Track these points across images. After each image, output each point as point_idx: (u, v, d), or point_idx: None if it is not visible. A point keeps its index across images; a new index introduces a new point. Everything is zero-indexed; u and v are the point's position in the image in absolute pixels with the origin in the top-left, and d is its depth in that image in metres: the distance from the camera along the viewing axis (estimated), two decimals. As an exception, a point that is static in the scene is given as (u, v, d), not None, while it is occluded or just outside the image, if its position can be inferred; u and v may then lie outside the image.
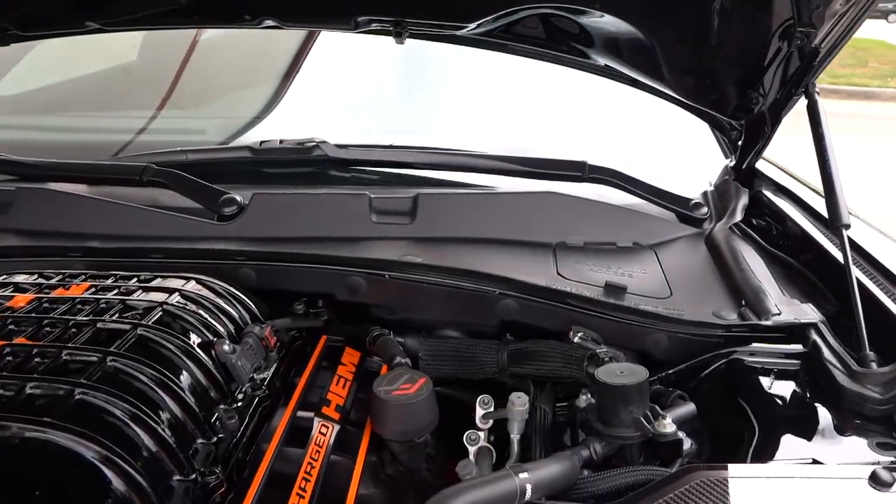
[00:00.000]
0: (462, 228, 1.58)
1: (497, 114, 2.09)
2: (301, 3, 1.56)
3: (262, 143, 1.81)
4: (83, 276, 1.33)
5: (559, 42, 1.65)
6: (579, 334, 1.36)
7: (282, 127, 2.10)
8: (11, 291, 1.26)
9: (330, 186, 1.77)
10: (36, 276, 1.35)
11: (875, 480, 1.00)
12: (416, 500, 1.20)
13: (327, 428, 1.21)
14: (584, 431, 1.20)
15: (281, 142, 1.80)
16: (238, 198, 1.61)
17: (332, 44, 2.34)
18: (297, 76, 2.34)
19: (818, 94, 1.50)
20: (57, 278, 1.32)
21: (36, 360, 1.02)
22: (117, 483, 0.87)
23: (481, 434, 1.28)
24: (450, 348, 1.48)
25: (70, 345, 1.04)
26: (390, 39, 1.65)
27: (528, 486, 0.95)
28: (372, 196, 1.60)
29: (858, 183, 1.41)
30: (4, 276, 1.34)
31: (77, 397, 0.93)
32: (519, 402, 1.25)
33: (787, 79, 1.52)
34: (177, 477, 0.96)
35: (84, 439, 0.88)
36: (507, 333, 1.47)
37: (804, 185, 1.84)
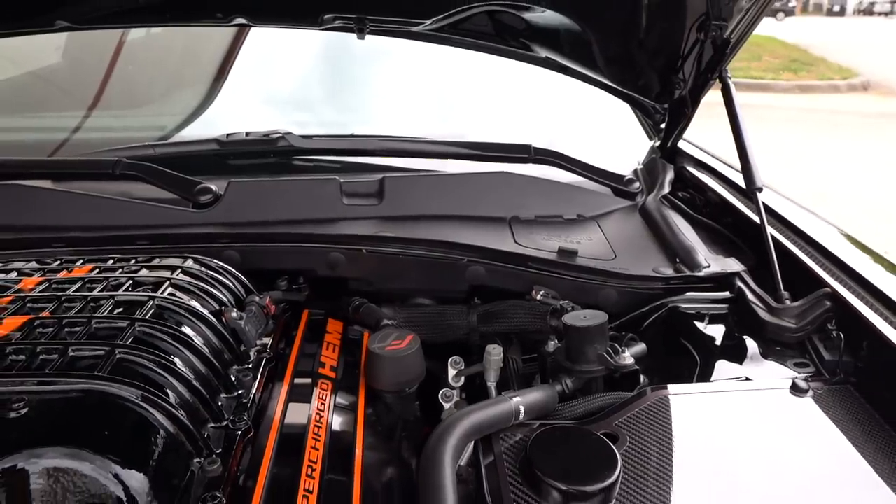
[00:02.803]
0: (426, 206, 1.73)
1: (448, 104, 2.25)
2: (271, 2, 1.67)
3: (228, 135, 1.90)
4: (82, 260, 1.40)
5: (506, 36, 1.82)
6: (541, 293, 1.54)
7: (216, 124, 2.16)
8: (16, 276, 1.33)
9: (296, 175, 1.89)
10: (33, 262, 1.41)
11: (795, 388, 1.23)
12: (411, 445, 1.34)
13: (327, 384, 1.34)
14: (554, 371, 1.37)
15: (247, 134, 1.90)
16: (213, 187, 1.71)
17: (263, 42, 2.43)
18: (230, 75, 2.42)
19: (730, 78, 1.74)
20: (56, 263, 1.39)
21: (67, 329, 1.11)
22: (167, 425, 0.98)
23: (454, 392, 1.44)
24: (423, 315, 1.62)
25: (98, 315, 1.14)
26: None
27: (522, 408, 1.11)
28: (342, 180, 1.73)
29: (765, 167, 1.64)
30: (2, 264, 1.40)
31: (118, 356, 1.04)
32: (495, 353, 1.41)
33: (704, 65, 1.75)
34: (211, 424, 1.08)
35: (136, 389, 0.98)
36: (475, 297, 1.63)
37: (720, 160, 2.08)
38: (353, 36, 1.83)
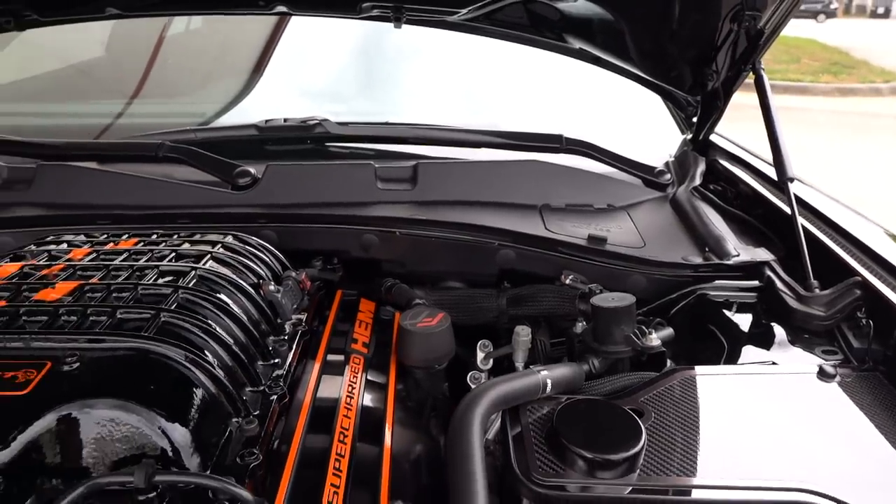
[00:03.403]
0: (458, 192, 1.76)
1: (480, 94, 2.28)
2: (311, -9, 1.72)
3: (266, 121, 1.95)
4: (127, 235, 1.46)
5: (540, 27, 1.85)
6: (570, 277, 1.56)
7: (255, 112, 2.20)
8: (66, 247, 1.39)
9: (331, 160, 1.93)
10: (81, 235, 1.48)
11: (822, 374, 1.23)
12: (439, 422, 1.38)
13: (359, 359, 1.38)
14: (582, 353, 1.39)
15: (285, 120, 1.95)
16: (251, 170, 1.76)
17: (301, 32, 2.49)
18: (268, 66, 2.48)
19: (763, 70, 1.74)
20: (103, 236, 1.46)
21: (114, 295, 1.16)
22: (208, 384, 1.03)
23: (483, 374, 1.47)
24: (453, 297, 1.66)
25: (143, 282, 1.19)
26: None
27: (549, 381, 1.14)
28: (376, 165, 1.77)
29: (798, 169, 1.65)
30: (52, 237, 1.46)
31: (163, 319, 1.09)
32: (523, 333, 1.44)
33: (737, 57, 1.75)
34: (249, 388, 1.12)
35: (179, 349, 1.03)
36: (505, 281, 1.66)
37: (752, 154, 2.08)
38: (390, 26, 1.87)
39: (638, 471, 1.01)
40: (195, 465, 0.95)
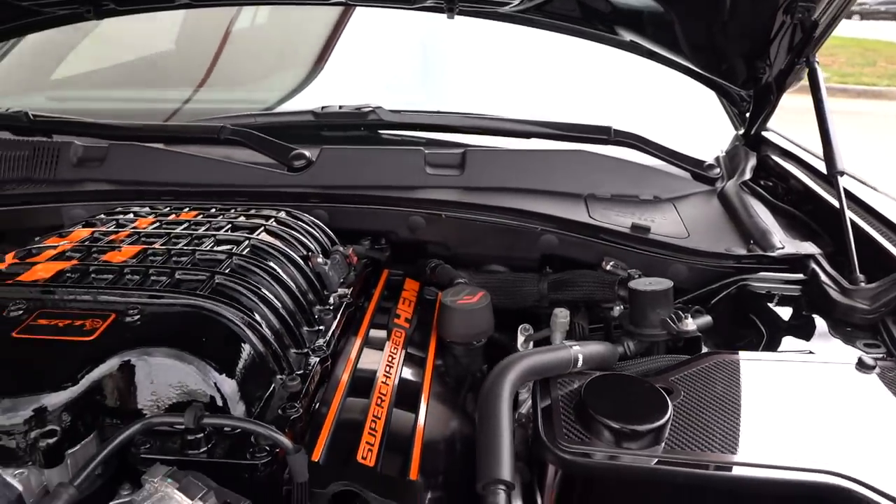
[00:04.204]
0: (505, 179, 1.80)
1: (530, 85, 2.31)
2: (370, -19, 1.79)
3: (322, 108, 2.03)
4: (188, 207, 1.56)
5: (592, 19, 1.87)
6: (611, 263, 1.58)
7: (312, 100, 2.28)
8: (132, 217, 1.49)
9: (383, 147, 2.00)
10: (146, 207, 1.58)
11: (861, 365, 1.23)
12: (475, 399, 1.42)
13: (400, 333, 1.44)
14: (618, 336, 1.42)
15: (340, 107, 2.03)
16: (306, 153, 1.84)
17: (363, 24, 2.57)
18: (328, 58, 2.57)
19: (817, 63, 1.73)
20: (166, 209, 1.55)
21: (174, 258, 1.25)
22: (256, 342, 1.10)
23: (531, 328, 1.51)
24: (495, 280, 1.70)
25: (201, 248, 1.27)
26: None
27: (580, 356, 1.17)
28: (426, 151, 1.83)
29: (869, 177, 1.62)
30: (120, 208, 1.57)
31: (217, 281, 1.16)
32: (561, 315, 1.47)
33: (791, 50, 1.74)
34: (293, 350, 1.19)
35: (231, 308, 1.10)
36: (547, 266, 1.69)
37: (806, 150, 2.05)
38: (443, 16, 1.93)
39: (664, 443, 1.04)
40: (240, 413, 1.02)
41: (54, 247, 1.31)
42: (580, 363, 1.17)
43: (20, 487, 0.88)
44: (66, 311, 1.09)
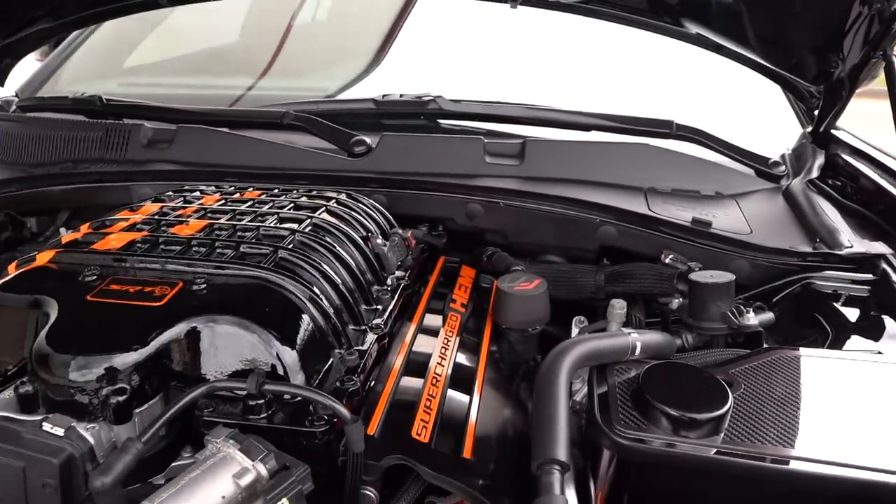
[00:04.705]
0: (564, 170, 1.79)
1: (591, 77, 2.29)
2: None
3: (383, 95, 2.05)
4: (252, 187, 1.59)
5: (658, 11, 1.84)
6: (670, 256, 1.56)
7: (373, 90, 2.31)
8: (199, 195, 1.54)
9: (443, 135, 2.01)
10: (212, 186, 1.62)
11: (932, 367, 1.18)
12: (529, 384, 1.41)
13: (456, 317, 1.44)
14: (675, 327, 1.39)
15: (401, 95, 2.05)
16: (366, 139, 1.86)
17: (426, 14, 2.59)
18: (390, 49, 2.59)
19: (895, 55, 1.67)
20: (231, 188, 1.60)
21: (239, 233, 1.28)
22: (316, 315, 1.12)
23: (585, 320, 1.50)
24: (552, 271, 1.68)
25: (265, 224, 1.30)
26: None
27: (638, 344, 1.16)
28: (486, 140, 1.83)
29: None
30: (189, 186, 1.62)
31: (280, 255, 1.19)
32: (618, 306, 1.45)
33: (866, 43, 1.68)
34: (351, 326, 1.21)
35: (293, 282, 1.13)
36: (604, 258, 1.67)
37: (879, 150, 1.98)
38: (507, 7, 1.92)
39: (723, 434, 1.02)
40: (299, 383, 1.04)
41: (126, 219, 1.36)
42: (638, 351, 1.16)
43: (92, 441, 0.91)
44: (136, 277, 1.13)
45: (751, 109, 2.25)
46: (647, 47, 2.15)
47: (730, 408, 1.02)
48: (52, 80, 2.56)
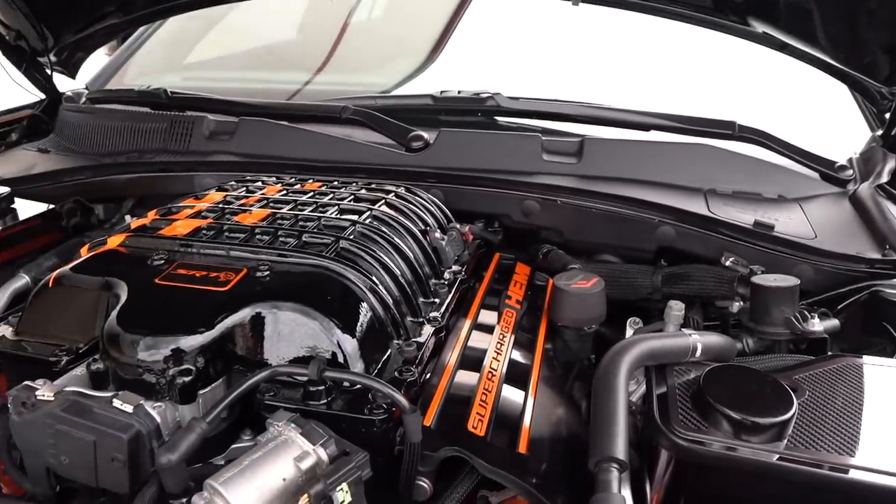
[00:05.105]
0: (623, 170, 1.77)
1: (651, 76, 2.26)
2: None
3: (441, 92, 2.06)
4: (312, 179, 1.62)
5: (722, 8, 1.81)
6: (731, 259, 1.53)
7: (430, 86, 2.33)
8: (261, 185, 1.57)
9: (500, 132, 2.00)
10: (274, 177, 1.65)
11: None
12: (583, 387, 1.40)
13: (511, 313, 1.44)
14: (735, 331, 1.36)
15: (459, 92, 2.05)
16: (424, 134, 1.87)
17: (483, 11, 2.59)
18: (444, 47, 2.60)
19: (974, 58, 1.60)
20: (292, 179, 1.62)
21: (301, 223, 1.30)
22: (376, 305, 1.13)
23: (641, 321, 1.48)
24: (608, 270, 1.66)
25: (326, 215, 1.32)
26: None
27: (699, 345, 1.14)
28: (543, 138, 1.82)
29: None
30: (251, 176, 1.65)
31: (341, 245, 1.21)
32: (676, 308, 1.43)
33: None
34: (410, 318, 1.22)
35: (354, 271, 1.14)
36: (661, 259, 1.65)
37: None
38: (568, 4, 1.91)
39: (786, 440, 0.99)
40: (359, 371, 1.05)
41: (191, 206, 1.40)
42: (698, 352, 1.14)
43: (158, 419, 0.94)
44: (202, 263, 1.16)
45: (816, 111, 2.19)
46: (707, 46, 2.11)
47: (794, 413, 0.99)
48: (119, 74, 2.64)
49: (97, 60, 2.64)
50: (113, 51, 2.91)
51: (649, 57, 2.30)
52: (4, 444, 1.07)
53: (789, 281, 1.30)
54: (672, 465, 1.04)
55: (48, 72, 2.37)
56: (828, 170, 1.88)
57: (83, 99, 2.35)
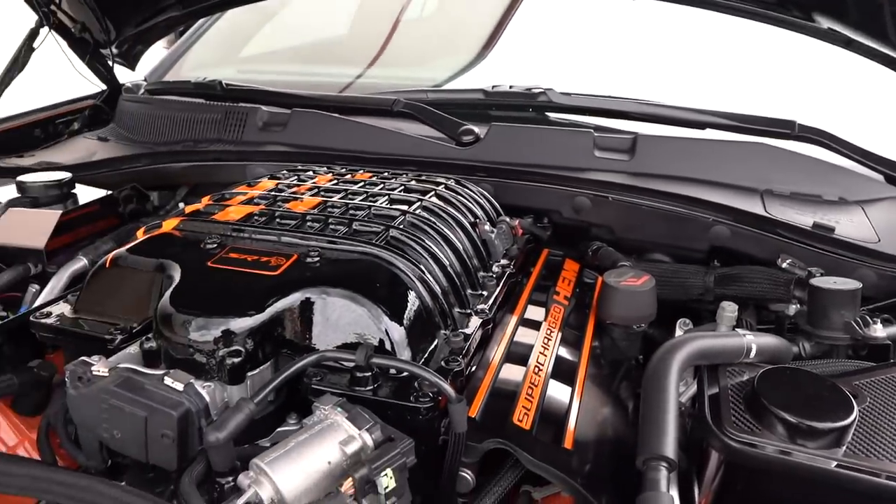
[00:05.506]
0: (676, 168, 1.73)
1: (707, 73, 2.21)
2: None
3: (493, 86, 2.05)
4: (363, 170, 1.62)
5: (786, 4, 1.75)
6: (787, 261, 1.47)
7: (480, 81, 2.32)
8: (312, 174, 1.58)
9: (552, 127, 1.98)
10: (325, 167, 1.66)
11: None
12: (630, 387, 1.38)
13: (559, 309, 1.42)
14: (790, 335, 1.32)
15: (510, 87, 2.04)
16: (475, 129, 1.86)
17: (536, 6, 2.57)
18: (496, 44, 2.58)
19: None
20: (343, 169, 1.63)
21: (351, 211, 1.31)
22: (425, 295, 1.13)
23: (691, 322, 1.44)
24: (658, 270, 1.63)
25: (376, 204, 1.33)
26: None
27: (754, 346, 1.10)
28: (595, 134, 1.79)
29: None
30: (302, 166, 1.67)
31: (391, 234, 1.21)
32: (729, 309, 1.39)
33: None
34: (457, 309, 1.21)
35: (403, 260, 1.14)
36: (714, 259, 1.61)
37: None
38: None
39: (844, 447, 0.96)
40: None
41: (244, 193, 1.42)
42: (752, 353, 1.11)
43: (207, 398, 0.95)
44: (253, 248, 1.18)
45: (881, 111, 2.11)
46: (766, 42, 2.05)
47: (855, 420, 0.96)
48: (176, 67, 2.70)
49: (156, 53, 2.71)
50: (171, 44, 2.98)
51: (705, 53, 2.25)
52: (61, 418, 1.10)
53: (851, 284, 1.26)
54: (722, 468, 1.01)
55: (110, 63, 2.44)
56: (893, 172, 1.81)
57: (142, 90, 2.41)
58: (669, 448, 0.95)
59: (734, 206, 1.58)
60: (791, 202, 1.68)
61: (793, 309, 1.37)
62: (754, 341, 1.11)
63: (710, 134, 1.86)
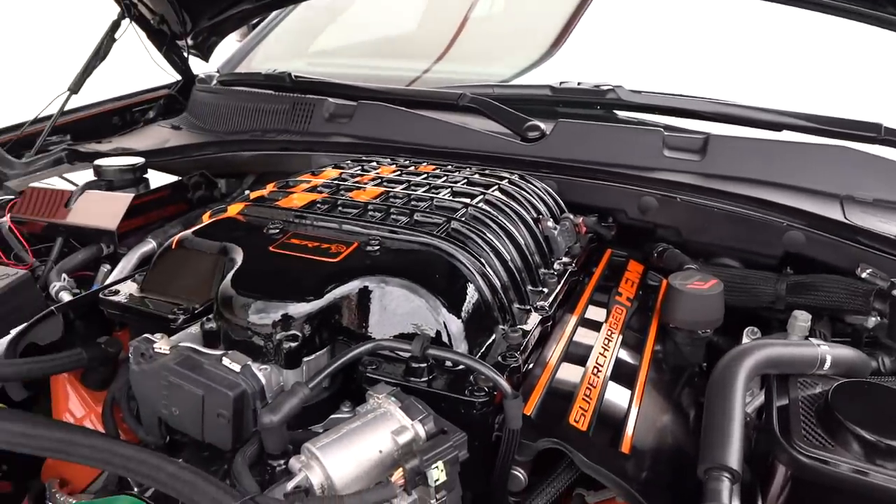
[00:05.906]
0: (750, 170, 1.66)
1: (784, 72, 2.12)
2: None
3: (560, 83, 2.02)
4: (426, 162, 1.62)
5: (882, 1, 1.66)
6: (868, 271, 1.40)
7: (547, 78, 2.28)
8: (375, 165, 1.59)
9: (620, 125, 1.94)
10: (388, 159, 1.66)
11: None
12: (692, 394, 1.33)
13: (621, 310, 1.38)
14: (871, 347, 1.25)
15: (578, 84, 2.00)
16: (541, 125, 1.83)
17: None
18: (565, 41, 2.54)
19: None
20: (406, 161, 1.63)
21: (413, 202, 1.30)
22: (484, 288, 1.11)
23: (759, 331, 1.38)
24: (727, 275, 1.57)
25: (438, 196, 1.32)
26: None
27: (828, 357, 1.05)
28: (665, 133, 1.74)
29: None
30: (367, 156, 1.67)
31: (452, 226, 1.19)
32: (801, 318, 1.32)
33: None
34: (517, 305, 1.19)
35: (464, 252, 1.13)
36: (787, 266, 1.54)
37: None
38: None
39: (927, 470, 0.89)
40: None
41: (308, 181, 1.43)
42: (827, 365, 1.05)
43: (263, 381, 0.96)
44: (315, 234, 1.18)
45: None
46: (850, 41, 1.95)
47: (940, 441, 0.89)
48: (247, 59, 2.76)
49: (229, 46, 2.78)
50: (243, 37, 3.05)
51: (782, 52, 2.16)
52: (125, 394, 1.13)
53: (938, 297, 1.18)
54: (790, 484, 0.96)
55: (185, 55, 2.51)
56: None
57: (214, 81, 2.47)
58: (733, 458, 0.91)
59: (811, 210, 1.51)
60: (874, 209, 1.60)
61: (872, 321, 1.30)
62: (829, 352, 1.05)
63: (786, 136, 1.79)
